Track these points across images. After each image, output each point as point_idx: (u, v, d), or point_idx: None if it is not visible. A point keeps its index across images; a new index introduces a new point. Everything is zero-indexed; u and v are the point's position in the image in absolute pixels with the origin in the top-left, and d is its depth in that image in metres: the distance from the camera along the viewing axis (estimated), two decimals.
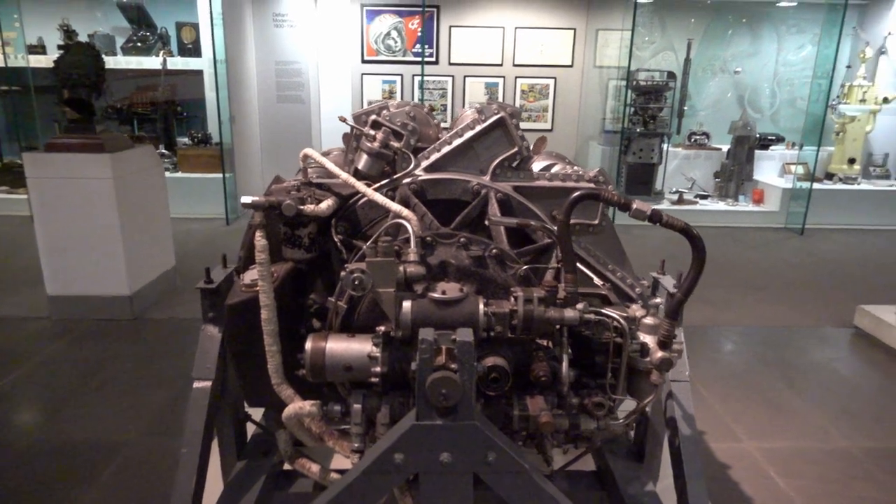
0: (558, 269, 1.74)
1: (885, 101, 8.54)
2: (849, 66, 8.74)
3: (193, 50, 8.56)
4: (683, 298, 1.52)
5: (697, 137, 9.32)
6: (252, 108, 8.66)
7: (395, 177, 1.83)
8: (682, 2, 9.35)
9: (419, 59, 9.38)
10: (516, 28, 9.35)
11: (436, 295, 1.51)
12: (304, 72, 8.73)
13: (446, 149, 1.89)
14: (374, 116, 1.86)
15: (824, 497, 2.88)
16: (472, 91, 9.59)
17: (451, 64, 9.45)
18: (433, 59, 9.40)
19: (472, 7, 9.28)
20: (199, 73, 8.52)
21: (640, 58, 9.23)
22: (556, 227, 1.65)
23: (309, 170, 2.19)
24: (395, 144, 1.82)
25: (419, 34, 9.30)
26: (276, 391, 1.76)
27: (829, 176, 8.85)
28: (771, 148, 9.26)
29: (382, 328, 1.60)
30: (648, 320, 1.62)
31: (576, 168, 2.16)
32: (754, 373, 4.13)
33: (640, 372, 1.60)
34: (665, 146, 8.80)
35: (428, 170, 1.88)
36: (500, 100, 9.62)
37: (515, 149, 1.90)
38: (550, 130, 9.70)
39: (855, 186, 8.69)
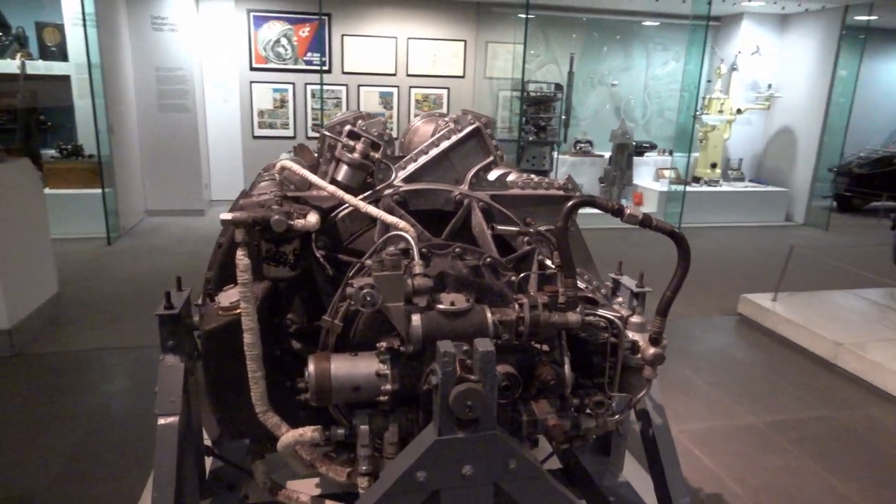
0: (547, 275, 1.79)
1: (739, 111, 9.60)
2: (709, 81, 9.72)
3: (58, 53, 7.75)
4: (672, 296, 1.62)
5: (582, 145, 9.92)
6: (130, 117, 8.00)
7: (378, 188, 1.79)
8: (562, 18, 9.91)
9: (311, 67, 9.18)
10: (409, 38, 9.44)
11: (445, 307, 1.50)
12: (189, 79, 8.22)
13: (423, 159, 1.88)
14: (349, 126, 1.80)
15: (744, 468, 3.18)
16: (366, 100, 9.53)
17: (344, 73, 9.34)
18: (326, 68, 9.23)
19: (364, 16, 9.24)
20: (66, 78, 7.71)
21: (526, 70, 9.66)
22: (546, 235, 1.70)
23: (265, 183, 2.08)
24: (375, 155, 1.77)
25: (307, 42, 9.10)
26: (261, 420, 1.65)
27: (696, 179, 9.77)
28: (646, 154, 10.08)
29: (384, 344, 1.55)
30: (635, 319, 1.71)
31: (531, 176, 2.22)
32: None
33: (630, 368, 1.69)
34: (555, 154, 9.27)
35: (406, 181, 1.85)
36: (395, 109, 9.66)
37: (491, 158, 1.92)
38: None
39: (717, 188, 9.67)
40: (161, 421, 1.73)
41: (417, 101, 9.71)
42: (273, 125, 9.31)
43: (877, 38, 10.41)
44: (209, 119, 9.01)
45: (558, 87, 9.17)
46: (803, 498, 2.97)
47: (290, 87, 9.24)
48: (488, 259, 1.69)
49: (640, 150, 10.00)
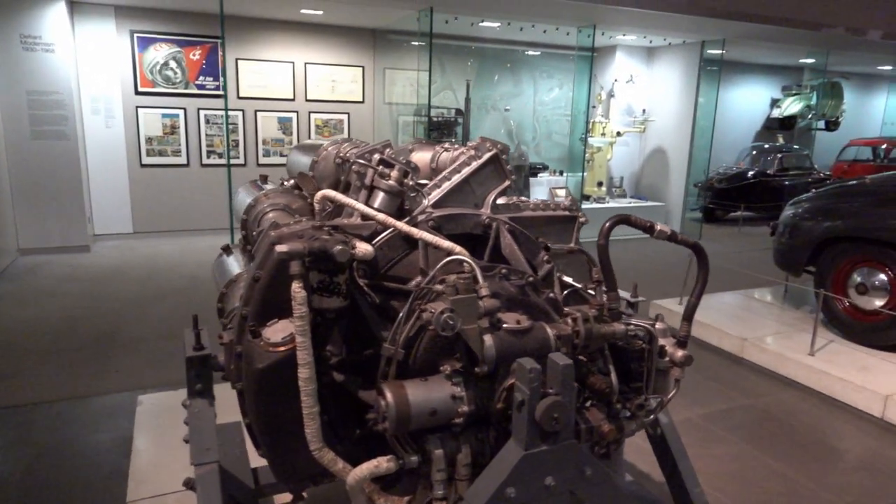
0: (569, 291, 1.90)
1: (619, 134, 10.49)
2: (594, 106, 10.53)
3: None
4: (697, 302, 1.79)
5: None
6: None
7: (414, 214, 1.81)
8: (455, 46, 10.28)
9: (203, 91, 8.77)
10: (306, 63, 9.33)
11: (512, 325, 1.55)
12: (67, 104, 7.51)
13: (447, 185, 1.92)
14: (378, 155, 1.81)
15: (694, 459, 3.44)
16: (264, 126, 9.26)
17: (240, 98, 9.02)
18: (220, 93, 8.85)
19: (259, 40, 9.02)
20: None
21: (423, 96, 9.90)
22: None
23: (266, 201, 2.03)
24: (410, 182, 1.80)
25: (198, 66, 8.70)
26: (316, 457, 1.60)
27: (586, 197, 10.50)
28: (539, 175, 10.67)
29: (448, 367, 1.57)
30: (659, 325, 1.86)
31: (522, 198, 2.34)
32: None
33: (659, 371, 1.83)
34: None
35: (433, 206, 1.89)
36: (295, 135, 9.47)
37: (507, 182, 2.01)
38: None
39: (605, 205, 10.45)
40: (199, 471, 1.61)
41: (318, 126, 9.59)
42: (163, 153, 8.75)
43: (729, 70, 11.86)
44: (89, 147, 8.28)
45: (459, 111, 9.50)
46: (749, 478, 3.31)
47: (180, 112, 8.75)
48: (530, 278, 1.77)
49: (534, 171, 10.57)
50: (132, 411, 3.76)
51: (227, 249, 2.79)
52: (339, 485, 1.94)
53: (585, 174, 10.62)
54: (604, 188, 10.65)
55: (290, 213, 2.16)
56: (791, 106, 13.12)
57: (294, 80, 9.31)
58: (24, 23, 7.23)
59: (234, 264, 2.62)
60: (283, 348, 1.58)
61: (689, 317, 1.80)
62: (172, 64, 8.59)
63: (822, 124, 13.92)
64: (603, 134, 10.43)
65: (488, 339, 1.52)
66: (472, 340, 1.50)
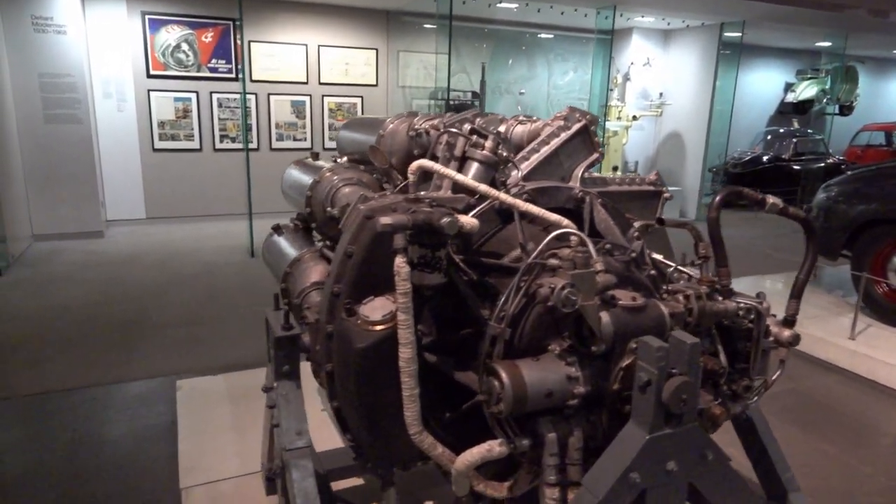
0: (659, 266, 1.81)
1: (635, 118, 10.36)
2: (611, 90, 10.39)
3: None
4: (806, 279, 1.71)
5: None
6: (9, 129, 7.01)
7: (508, 185, 1.71)
8: (469, 29, 10.12)
9: (215, 74, 8.63)
10: (319, 46, 9.17)
11: (628, 303, 1.46)
12: (80, 87, 7.37)
13: (535, 157, 1.83)
14: (468, 125, 1.71)
15: None
16: (277, 109, 9.12)
17: (253, 81, 8.86)
18: (232, 76, 8.71)
19: (272, 22, 8.85)
20: None
21: (441, 79, 9.76)
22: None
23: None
24: (502, 153, 1.70)
25: (211, 48, 8.55)
26: (415, 441, 1.52)
27: None
28: None
29: (557, 346, 1.49)
30: (764, 304, 1.78)
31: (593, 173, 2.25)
32: None
33: (763, 351, 1.75)
34: None
35: (523, 179, 1.79)
36: (308, 118, 9.34)
37: (596, 155, 1.92)
38: None
39: None
40: (293, 457, 1.53)
41: (331, 109, 9.45)
42: (176, 137, 8.62)
43: (743, 53, 11.70)
44: (101, 131, 8.14)
45: (475, 94, 9.37)
46: (803, 462, 3.24)
47: (193, 95, 8.60)
48: (633, 254, 1.68)
49: None
50: (168, 397, 3.68)
51: (277, 229, 2.70)
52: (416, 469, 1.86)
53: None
54: (619, 172, 10.52)
55: (364, 187, 2.07)
56: (806, 90, 12.98)
57: (307, 63, 9.16)
58: (35, 3, 7.07)
59: (288, 244, 2.54)
60: (381, 327, 1.50)
61: (798, 294, 1.72)
62: (185, 46, 8.43)
63: (836, 109, 13.79)
64: (619, 118, 10.30)
65: (605, 316, 1.43)
66: (591, 317, 1.41)
